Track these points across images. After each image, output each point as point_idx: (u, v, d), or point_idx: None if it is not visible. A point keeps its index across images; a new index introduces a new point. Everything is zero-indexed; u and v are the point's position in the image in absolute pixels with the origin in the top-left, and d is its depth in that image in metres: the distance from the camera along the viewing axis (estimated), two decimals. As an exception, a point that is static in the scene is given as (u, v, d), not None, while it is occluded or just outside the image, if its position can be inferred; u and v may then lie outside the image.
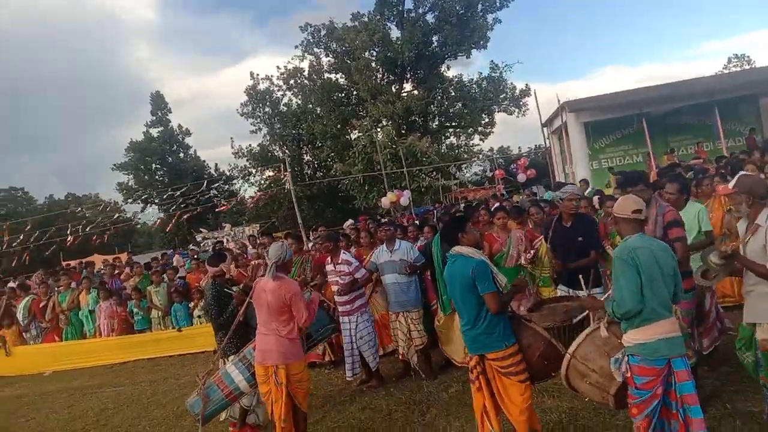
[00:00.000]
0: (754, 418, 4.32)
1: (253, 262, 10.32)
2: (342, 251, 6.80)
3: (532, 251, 6.69)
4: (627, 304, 3.48)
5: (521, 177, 18.38)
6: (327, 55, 33.07)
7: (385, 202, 17.88)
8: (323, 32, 32.07)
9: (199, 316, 10.06)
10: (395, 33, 31.07)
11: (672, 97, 17.77)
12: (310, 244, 10.54)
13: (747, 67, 40.64)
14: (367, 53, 29.34)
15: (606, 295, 4.16)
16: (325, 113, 32.02)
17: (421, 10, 30.75)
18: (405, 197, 17.61)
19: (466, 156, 36.48)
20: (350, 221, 13.43)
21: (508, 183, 24.47)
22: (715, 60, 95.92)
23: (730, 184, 4.55)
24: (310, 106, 35.00)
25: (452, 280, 4.32)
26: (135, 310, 10.62)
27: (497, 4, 29.99)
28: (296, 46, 33.33)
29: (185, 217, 27.79)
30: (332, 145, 31.28)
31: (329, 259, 6.85)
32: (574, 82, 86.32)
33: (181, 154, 41.94)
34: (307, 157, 36.99)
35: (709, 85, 17.39)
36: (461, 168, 33.55)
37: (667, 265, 3.59)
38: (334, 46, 32.26)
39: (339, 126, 31.78)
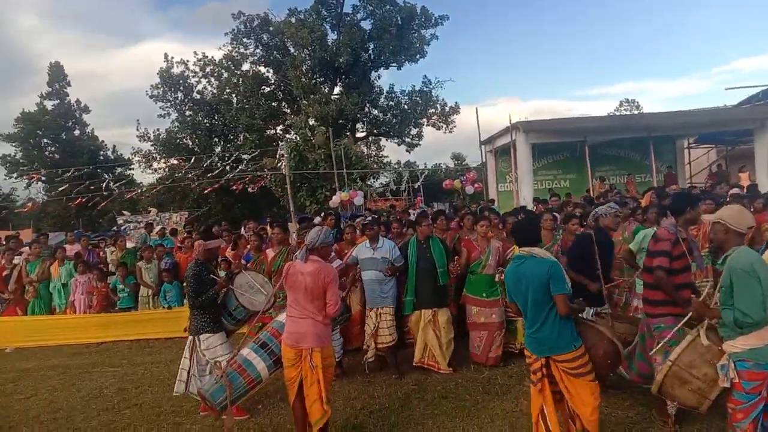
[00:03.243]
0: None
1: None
2: None
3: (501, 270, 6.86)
4: (754, 314, 3.57)
5: (469, 189, 18.87)
6: (257, 47, 32.05)
7: (335, 200, 17.60)
8: (256, 23, 31.12)
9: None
10: (330, 35, 30.82)
11: (616, 129, 19.12)
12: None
13: (636, 111, 44.95)
14: (305, 51, 28.79)
15: (711, 302, 4.18)
16: (252, 105, 30.94)
17: (359, 16, 30.82)
18: (359, 197, 17.43)
19: (375, 166, 36.93)
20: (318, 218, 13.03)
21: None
22: (602, 102, 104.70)
23: None
24: (227, 96, 33.80)
25: (521, 281, 4.25)
26: (120, 286, 9.60)
27: (432, 21, 30.76)
28: (226, 33, 32.11)
29: (77, 201, 25.86)
30: (255, 139, 30.31)
31: None
32: (466, 107, 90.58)
33: (77, 131, 38.57)
34: (218, 149, 35.59)
35: (649, 122, 18.82)
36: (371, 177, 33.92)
37: None
38: (266, 38, 31.43)
39: (263, 120, 30.95)
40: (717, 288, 3.98)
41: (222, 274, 6.48)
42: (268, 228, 11.60)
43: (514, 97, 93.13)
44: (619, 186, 19.26)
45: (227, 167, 32.82)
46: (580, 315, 4.43)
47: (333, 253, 7.13)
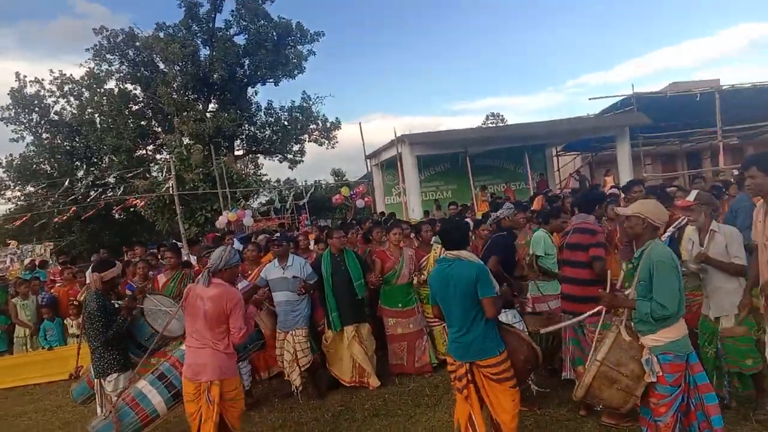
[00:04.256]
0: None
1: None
2: None
3: (425, 273, 6.97)
4: (674, 306, 3.65)
5: (360, 203, 18.88)
6: (122, 63, 30.23)
7: (222, 220, 16.82)
8: (120, 38, 29.35)
9: (77, 336, 8.38)
10: (202, 50, 29.78)
11: (495, 139, 20.05)
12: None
13: (501, 123, 47.43)
14: (176, 66, 27.53)
15: (627, 292, 4.17)
16: (119, 125, 29.07)
17: (232, 31, 30.07)
18: (248, 216, 16.80)
19: (256, 184, 36.07)
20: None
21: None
22: (469, 117, 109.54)
23: (690, 198, 5.11)
24: (89, 116, 31.59)
25: (449, 284, 4.17)
26: (-9, 328, 8.47)
27: (308, 37, 30.70)
28: (87, 49, 29.95)
29: None
30: (123, 161, 28.47)
31: None
32: (345, 124, 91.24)
33: None
34: (80, 173, 33.07)
35: (525, 132, 19.89)
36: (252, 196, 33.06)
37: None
38: (131, 54, 29.76)
39: (132, 141, 29.20)
40: (634, 283, 3.96)
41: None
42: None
43: (388, 114, 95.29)
44: (499, 194, 20.16)
45: (92, 192, 30.77)
46: (501, 320, 4.42)
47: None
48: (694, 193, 5.20)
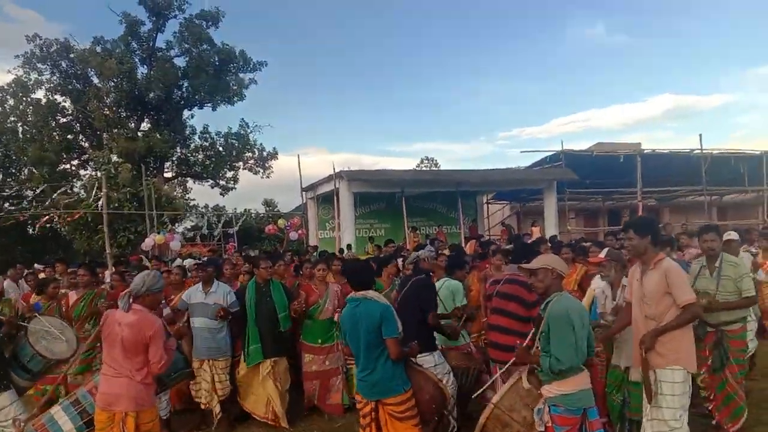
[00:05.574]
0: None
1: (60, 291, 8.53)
2: None
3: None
4: (567, 361, 3.66)
5: (293, 235, 18.70)
6: (53, 74, 29.11)
7: (149, 243, 16.20)
8: (54, 48, 28.34)
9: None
10: (140, 68, 29.23)
11: (431, 183, 20.50)
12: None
13: (435, 168, 48.53)
14: (110, 82, 26.77)
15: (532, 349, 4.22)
16: (44, 137, 27.81)
17: (173, 52, 29.73)
18: (176, 240, 16.27)
19: (184, 209, 35.10)
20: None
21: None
22: (404, 159, 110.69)
23: (602, 254, 5.50)
24: (11, 125, 30.09)
25: (356, 323, 4.27)
26: None
27: (251, 65, 30.71)
28: (17, 56, 28.74)
29: None
30: (45, 173, 27.14)
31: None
32: (283, 155, 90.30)
33: None
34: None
35: (458, 178, 20.44)
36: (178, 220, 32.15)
37: (587, 323, 3.91)
38: (64, 65, 28.74)
39: (56, 154, 27.93)
40: (538, 334, 4.03)
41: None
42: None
43: (321, 147, 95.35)
44: (432, 236, 20.49)
45: (7, 204, 29.04)
46: (411, 359, 4.47)
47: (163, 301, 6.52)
48: (605, 251, 5.59)
